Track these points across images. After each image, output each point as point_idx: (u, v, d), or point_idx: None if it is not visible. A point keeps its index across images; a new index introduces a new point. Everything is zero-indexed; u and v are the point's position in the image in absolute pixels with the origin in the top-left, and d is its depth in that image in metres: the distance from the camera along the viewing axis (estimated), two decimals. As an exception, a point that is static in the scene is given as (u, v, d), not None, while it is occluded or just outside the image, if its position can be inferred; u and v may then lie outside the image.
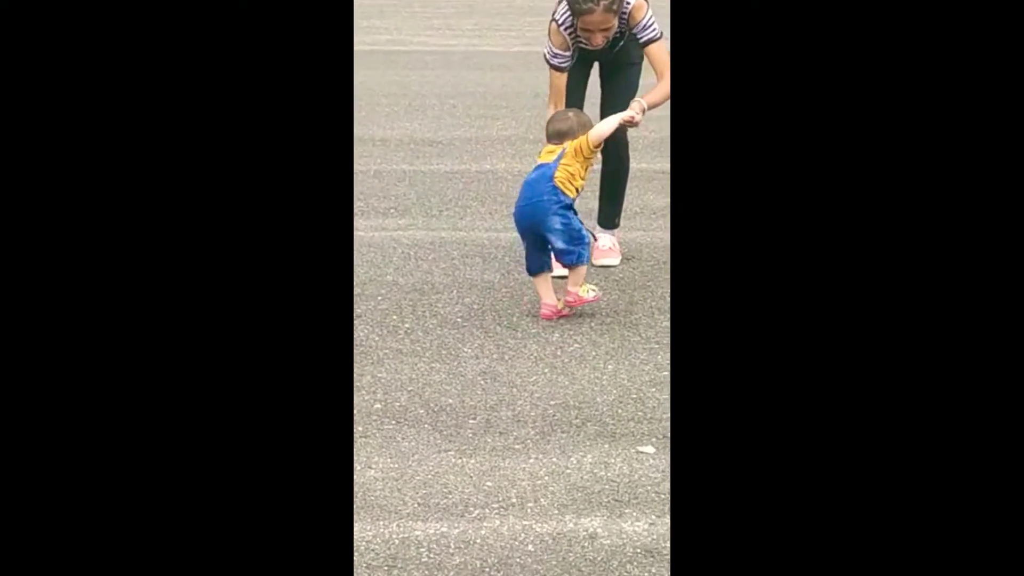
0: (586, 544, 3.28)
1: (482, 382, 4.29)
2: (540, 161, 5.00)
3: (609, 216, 5.64)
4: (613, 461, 3.73)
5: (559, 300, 4.90)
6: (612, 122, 5.01)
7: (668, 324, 4.82)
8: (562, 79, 5.34)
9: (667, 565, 3.17)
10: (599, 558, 3.21)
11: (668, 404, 4.11)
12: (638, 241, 5.81)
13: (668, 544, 3.26)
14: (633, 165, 5.73)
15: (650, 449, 3.80)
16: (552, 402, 4.13)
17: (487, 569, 3.17)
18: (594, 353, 4.55)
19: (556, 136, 4.99)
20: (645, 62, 5.34)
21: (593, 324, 4.83)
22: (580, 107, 5.37)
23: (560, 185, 4.85)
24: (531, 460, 3.73)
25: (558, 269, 5.04)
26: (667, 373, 4.36)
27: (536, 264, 4.93)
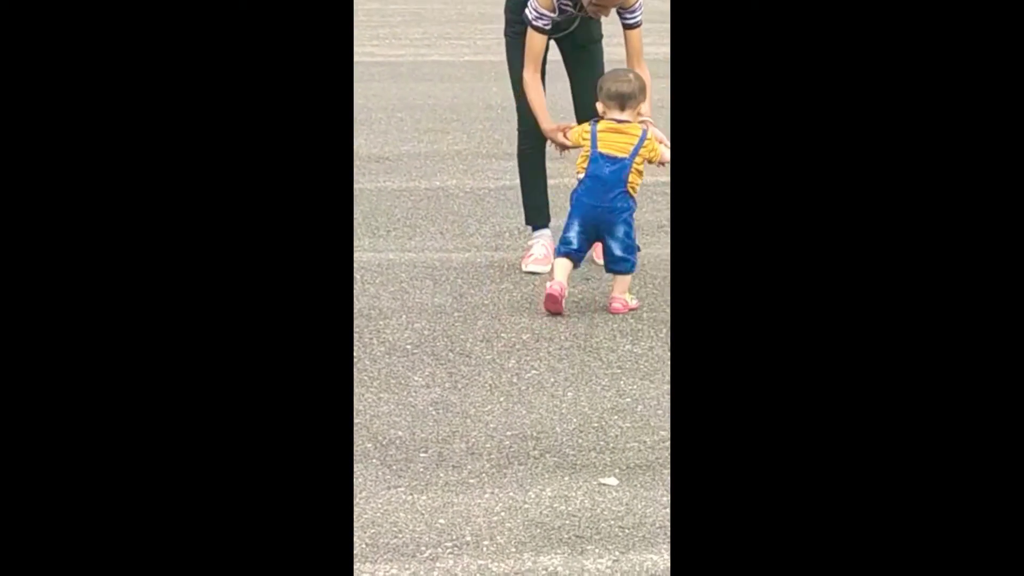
0: (546, 584, 3.24)
1: (434, 413, 4.25)
2: (602, 140, 5.13)
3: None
4: (574, 494, 3.69)
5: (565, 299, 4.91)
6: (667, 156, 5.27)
7: (631, 348, 4.80)
8: (542, 42, 5.52)
9: (632, 605, 3.14)
10: (560, 599, 3.18)
11: (631, 432, 4.08)
12: (598, 261, 5.78)
13: (633, 583, 3.23)
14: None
15: (613, 481, 3.77)
16: (508, 433, 4.10)
17: (440, 613, 3.13)
18: (552, 380, 4.52)
19: (617, 98, 5.15)
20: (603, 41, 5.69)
21: (551, 349, 4.80)
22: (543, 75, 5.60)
23: (631, 191, 5.14)
24: (487, 495, 3.69)
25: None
26: (630, 399, 4.33)
27: (572, 254, 5.15)
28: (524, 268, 5.69)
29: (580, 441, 4.04)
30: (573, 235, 5.15)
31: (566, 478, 3.79)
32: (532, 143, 5.74)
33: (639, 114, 5.21)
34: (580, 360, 4.70)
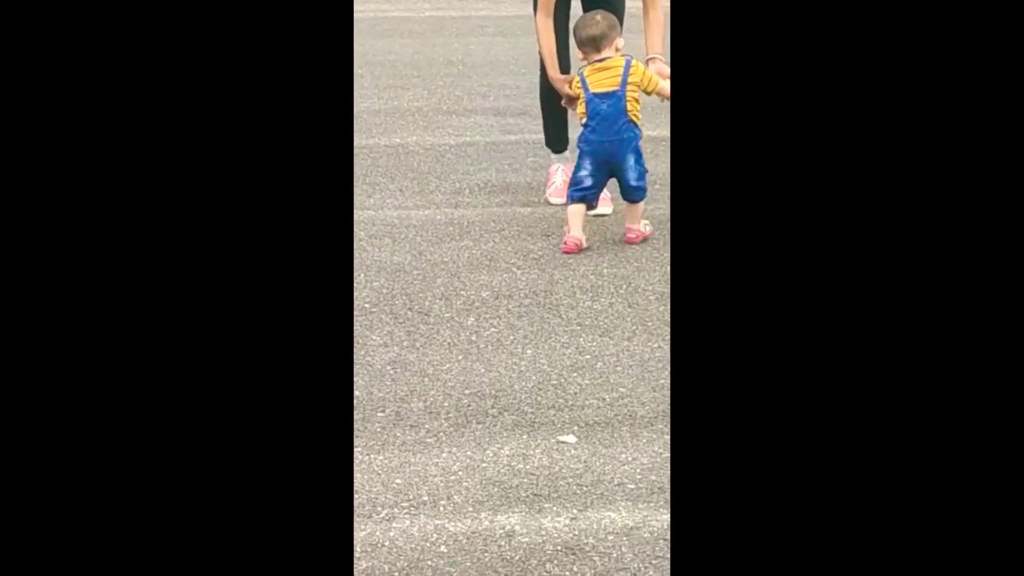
0: (503, 543, 3.25)
1: (391, 372, 4.25)
2: (591, 81, 5.33)
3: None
4: (532, 453, 3.70)
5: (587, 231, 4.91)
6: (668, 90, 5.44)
7: (591, 304, 4.80)
8: None
9: (589, 562, 3.15)
10: (516, 557, 3.18)
11: (590, 389, 4.08)
12: (558, 216, 5.77)
13: (590, 540, 3.24)
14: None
15: (571, 438, 3.78)
16: (467, 391, 4.10)
17: (396, 573, 3.13)
18: (512, 338, 4.52)
19: (590, 42, 5.35)
20: None
21: (511, 306, 4.79)
22: (565, 24, 5.71)
23: (633, 119, 5.34)
24: (444, 454, 3.69)
25: (601, 207, 5.53)
26: (589, 356, 4.33)
27: (588, 194, 5.35)
28: (548, 198, 5.90)
29: (539, 399, 4.04)
30: (585, 174, 5.35)
31: (524, 436, 3.79)
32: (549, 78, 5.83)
33: (617, 48, 5.38)
34: (540, 317, 4.70)
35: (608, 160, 5.34)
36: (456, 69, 8.91)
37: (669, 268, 5.10)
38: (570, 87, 5.54)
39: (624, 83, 5.33)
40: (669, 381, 4.09)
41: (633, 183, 5.34)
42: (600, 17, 5.39)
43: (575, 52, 5.59)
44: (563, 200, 5.66)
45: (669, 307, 4.64)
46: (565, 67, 5.79)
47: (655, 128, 6.49)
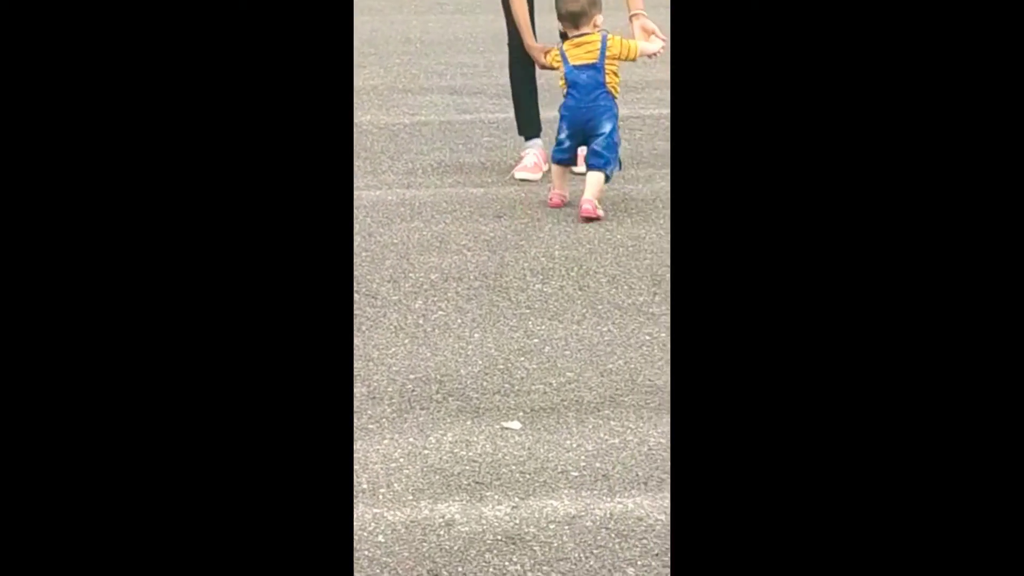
0: (442, 532, 3.19)
1: (335, 356, 4.18)
2: (571, 55, 5.50)
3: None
4: (475, 439, 3.64)
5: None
6: (652, 47, 5.65)
7: (541, 287, 4.75)
8: None
9: (529, 552, 3.10)
10: (456, 547, 3.13)
11: (537, 374, 4.04)
12: (511, 196, 5.72)
13: (531, 529, 3.19)
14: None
15: (516, 425, 3.73)
16: (411, 376, 4.04)
17: (332, 564, 3.07)
18: (460, 321, 4.46)
19: (570, 18, 5.53)
20: None
21: (460, 289, 4.74)
22: None
23: (612, 91, 5.54)
24: (385, 441, 3.64)
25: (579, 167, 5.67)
26: (537, 340, 4.28)
27: (565, 156, 5.55)
28: (515, 175, 5.97)
29: (484, 384, 3.99)
30: (564, 136, 5.55)
31: (468, 422, 3.74)
32: (519, 57, 5.93)
33: (596, 25, 5.54)
34: (489, 300, 4.64)
35: (584, 126, 5.50)
36: (413, 47, 8.85)
37: (620, 250, 5.06)
38: (546, 58, 5.67)
39: (602, 57, 5.51)
40: (622, 366, 4.06)
41: (597, 148, 5.47)
42: None
43: (546, 24, 5.62)
44: (527, 176, 5.88)
45: (627, 289, 4.61)
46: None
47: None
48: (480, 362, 4.14)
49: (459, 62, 8.30)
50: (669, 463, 3.13)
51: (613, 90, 5.55)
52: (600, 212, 5.43)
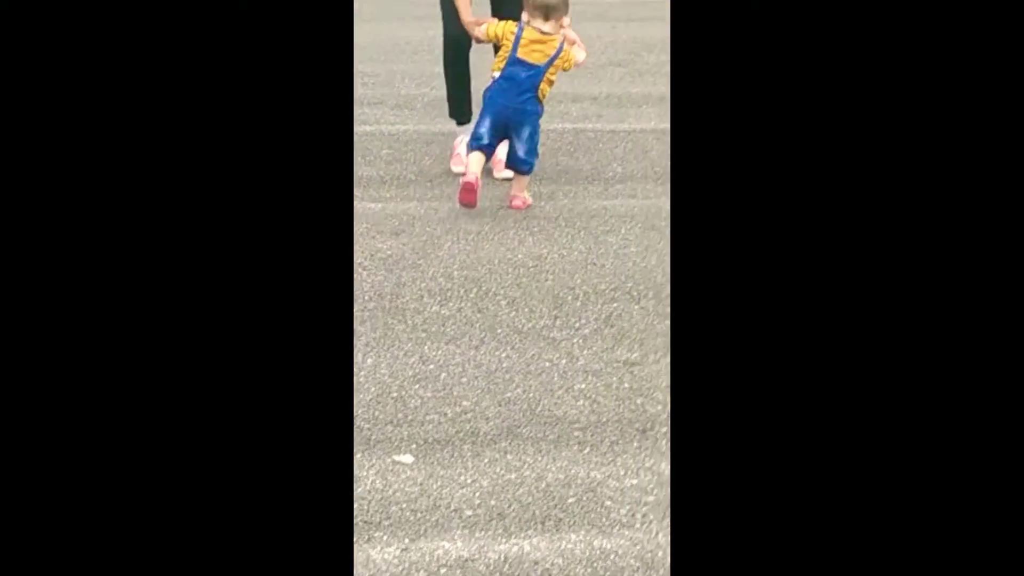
0: (326, 577, 3.02)
1: (220, 382, 4.00)
2: (522, 48, 5.50)
3: None
4: (365, 474, 3.47)
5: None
6: (581, 56, 5.68)
7: (439, 309, 4.58)
8: None
9: (418, 600, 2.94)
10: (340, 593, 2.96)
11: (432, 403, 3.87)
12: (410, 213, 5.55)
13: (420, 574, 3.03)
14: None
15: (408, 458, 3.56)
16: (300, 404, 3.86)
17: (207, 612, 2.89)
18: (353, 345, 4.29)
19: (543, 9, 5.49)
20: None
21: (354, 311, 4.56)
22: None
23: (541, 96, 5.56)
24: (270, 475, 3.46)
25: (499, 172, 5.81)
26: (433, 366, 4.12)
27: (485, 146, 5.51)
28: (451, 167, 5.98)
29: (376, 413, 3.81)
30: (484, 131, 5.53)
31: (358, 455, 3.57)
32: (453, 41, 5.94)
33: (561, 25, 5.54)
34: (383, 323, 4.47)
35: (506, 124, 5.54)
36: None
37: (521, 271, 4.91)
38: (483, 32, 5.67)
39: (549, 64, 5.53)
40: (520, 395, 3.91)
41: (522, 155, 5.55)
42: None
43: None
44: (463, 169, 5.74)
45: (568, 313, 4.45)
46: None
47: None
48: (373, 389, 3.96)
49: (359, 71, 8.11)
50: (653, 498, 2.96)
51: (542, 95, 5.58)
52: (529, 199, 5.62)
